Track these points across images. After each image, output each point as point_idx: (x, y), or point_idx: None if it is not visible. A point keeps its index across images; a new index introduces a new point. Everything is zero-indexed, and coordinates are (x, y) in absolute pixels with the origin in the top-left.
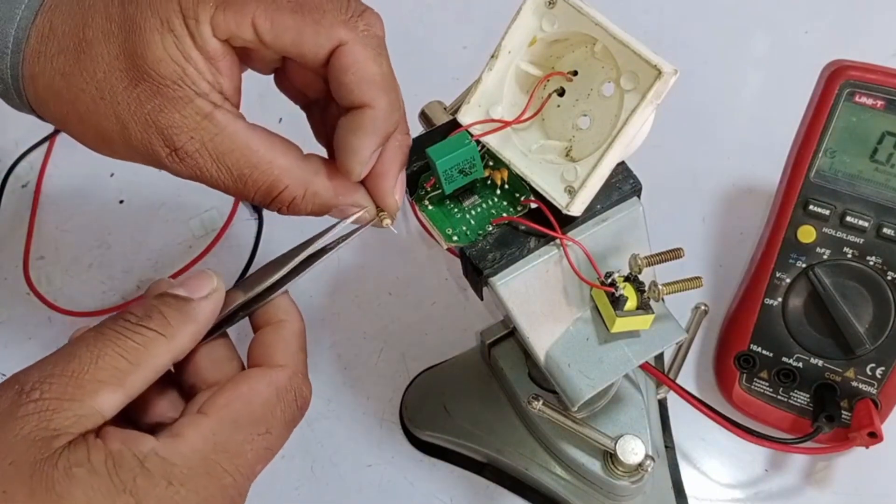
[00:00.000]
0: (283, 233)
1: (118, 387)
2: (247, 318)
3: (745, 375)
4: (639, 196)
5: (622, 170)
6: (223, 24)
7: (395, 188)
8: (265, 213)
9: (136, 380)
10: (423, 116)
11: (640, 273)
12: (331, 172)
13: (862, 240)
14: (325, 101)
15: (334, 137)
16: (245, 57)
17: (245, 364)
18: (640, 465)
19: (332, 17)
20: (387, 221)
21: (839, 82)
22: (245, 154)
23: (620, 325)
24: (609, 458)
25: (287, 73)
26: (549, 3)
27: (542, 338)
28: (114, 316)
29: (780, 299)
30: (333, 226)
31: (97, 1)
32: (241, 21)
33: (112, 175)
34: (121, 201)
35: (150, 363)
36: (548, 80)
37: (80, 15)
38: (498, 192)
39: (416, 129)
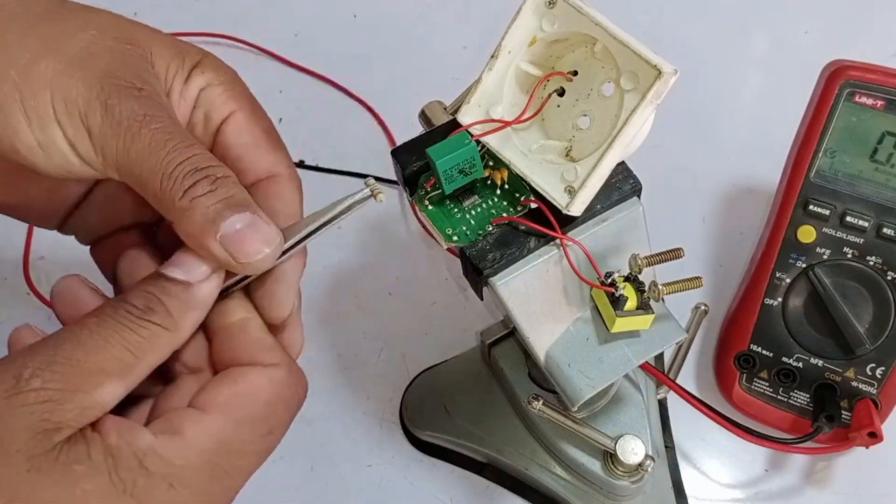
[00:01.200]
0: None
1: (121, 379)
2: None
3: (745, 375)
4: (639, 196)
5: (622, 170)
6: None
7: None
8: None
9: (138, 372)
10: (423, 116)
11: (640, 273)
12: None
13: (862, 240)
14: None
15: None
16: None
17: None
18: (640, 465)
19: None
20: (381, 196)
21: (839, 82)
22: None
23: (620, 325)
24: (609, 458)
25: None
26: (549, 3)
27: (542, 338)
28: (113, 303)
29: (780, 299)
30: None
31: None
32: None
33: None
34: None
35: (153, 356)
36: (548, 80)
37: None
38: (498, 192)
39: (417, 129)
